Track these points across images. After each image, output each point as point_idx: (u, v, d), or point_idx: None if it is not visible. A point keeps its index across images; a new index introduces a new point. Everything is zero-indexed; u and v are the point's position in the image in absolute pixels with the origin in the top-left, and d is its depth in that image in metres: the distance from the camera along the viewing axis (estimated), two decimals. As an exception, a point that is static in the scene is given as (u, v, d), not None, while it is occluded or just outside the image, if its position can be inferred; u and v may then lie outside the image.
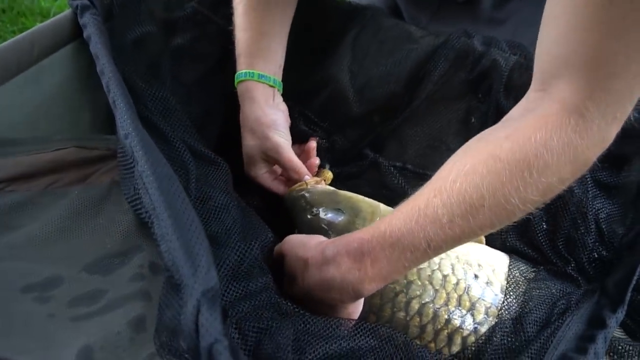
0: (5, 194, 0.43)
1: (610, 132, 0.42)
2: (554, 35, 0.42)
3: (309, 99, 0.68)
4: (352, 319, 0.46)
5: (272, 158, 0.62)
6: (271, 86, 0.62)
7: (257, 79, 0.61)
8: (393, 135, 0.70)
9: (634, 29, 0.36)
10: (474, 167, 0.42)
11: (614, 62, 0.38)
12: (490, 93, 0.66)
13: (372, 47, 0.69)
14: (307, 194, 0.61)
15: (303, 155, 0.65)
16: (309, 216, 0.60)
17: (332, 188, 0.63)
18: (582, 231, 0.61)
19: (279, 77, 0.63)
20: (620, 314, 0.50)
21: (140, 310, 0.40)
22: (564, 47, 0.40)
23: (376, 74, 0.68)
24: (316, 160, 0.65)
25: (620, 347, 0.50)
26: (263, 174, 0.63)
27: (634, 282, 0.53)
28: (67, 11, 0.55)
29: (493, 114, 0.66)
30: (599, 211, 0.63)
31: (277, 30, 0.62)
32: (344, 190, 0.62)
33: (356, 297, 0.46)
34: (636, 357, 0.49)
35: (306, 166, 0.63)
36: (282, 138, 0.61)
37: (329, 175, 0.68)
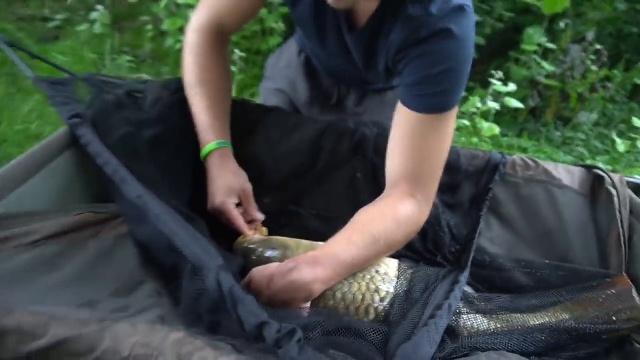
0: (46, 246, 0.61)
1: (430, 207, 0.81)
2: (395, 160, 0.81)
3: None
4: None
5: (245, 196, 0.86)
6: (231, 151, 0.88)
7: (227, 146, 0.87)
8: (306, 193, 0.97)
9: (436, 157, 0.77)
10: (372, 227, 0.75)
11: (426, 177, 0.78)
12: (365, 155, 0.98)
13: (281, 132, 0.98)
14: (251, 244, 0.84)
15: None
16: (254, 257, 0.82)
17: (267, 237, 0.87)
18: (441, 235, 0.93)
19: None
20: (466, 276, 0.79)
21: (160, 313, 0.59)
22: (400, 167, 0.79)
23: (287, 151, 0.97)
24: (262, 216, 0.89)
25: (469, 298, 0.78)
26: (232, 203, 0.85)
27: (471, 258, 0.84)
28: (61, 129, 0.77)
29: (370, 169, 0.97)
30: (449, 221, 0.95)
31: (225, 110, 0.90)
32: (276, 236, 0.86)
33: (310, 295, 0.69)
34: (477, 302, 0.78)
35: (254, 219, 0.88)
36: None
37: (264, 230, 0.92)
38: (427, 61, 0.74)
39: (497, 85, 1.61)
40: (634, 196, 0.95)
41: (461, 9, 0.72)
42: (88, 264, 0.63)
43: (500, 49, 2.42)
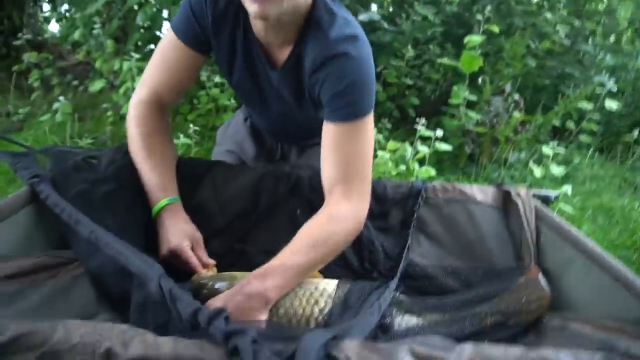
0: (4, 285, 0.68)
1: (366, 203, 0.93)
2: (325, 170, 0.93)
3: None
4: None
5: (196, 243, 0.95)
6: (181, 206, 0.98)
7: (177, 201, 0.97)
8: (250, 232, 1.07)
9: (360, 159, 0.90)
10: (311, 233, 0.87)
11: (355, 177, 0.91)
12: (302, 194, 1.10)
13: (225, 180, 1.09)
14: (202, 280, 0.92)
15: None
16: (205, 290, 0.90)
17: (216, 273, 0.96)
18: (376, 254, 1.03)
19: None
20: (395, 282, 0.89)
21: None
22: (330, 174, 0.92)
23: (231, 196, 1.08)
24: (212, 261, 0.98)
25: (400, 301, 0.88)
26: (187, 245, 0.93)
27: (400, 268, 0.94)
28: (22, 189, 0.87)
29: (307, 206, 1.08)
30: (382, 242, 1.06)
31: (170, 169, 1.00)
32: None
33: (266, 302, 0.78)
34: (407, 304, 0.87)
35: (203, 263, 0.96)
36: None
37: (215, 269, 1.00)
38: (333, 79, 0.88)
39: (422, 130, 1.81)
40: (540, 205, 1.09)
41: (354, 37, 0.89)
42: (44, 300, 0.70)
43: (435, 106, 2.70)
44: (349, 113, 0.90)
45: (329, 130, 0.92)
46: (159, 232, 0.95)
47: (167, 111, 1.07)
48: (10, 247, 0.79)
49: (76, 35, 2.26)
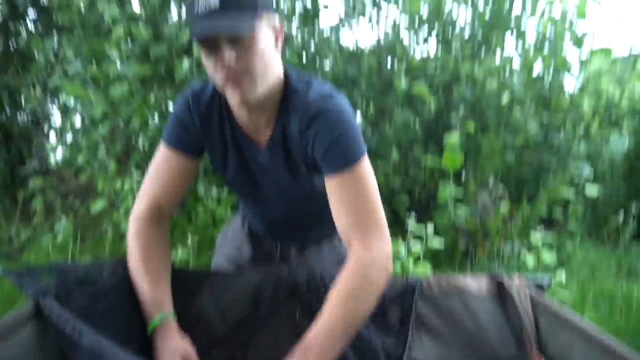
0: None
1: (385, 241, 0.95)
2: (338, 222, 0.97)
3: (189, 327, 1.04)
4: None
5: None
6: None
7: (170, 316, 0.97)
8: (251, 339, 1.07)
9: (367, 201, 0.94)
10: (341, 291, 0.90)
11: (367, 221, 0.94)
12: (300, 297, 1.12)
13: (224, 287, 1.12)
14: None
15: None
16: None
17: None
18: (377, 354, 1.02)
19: None
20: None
21: None
22: (344, 225, 0.96)
23: (229, 302, 1.09)
24: None
25: None
26: None
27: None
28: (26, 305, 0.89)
29: (307, 308, 1.10)
30: (383, 340, 1.05)
31: (166, 283, 1.02)
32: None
33: None
34: None
35: None
36: None
37: None
38: (323, 135, 0.95)
39: (413, 224, 1.87)
40: (533, 292, 1.11)
41: (331, 94, 0.98)
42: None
43: (426, 205, 2.80)
44: (346, 162, 0.95)
45: (331, 184, 0.97)
46: (153, 352, 0.95)
47: (165, 221, 1.11)
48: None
49: (80, 159, 2.42)
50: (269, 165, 1.08)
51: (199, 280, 1.13)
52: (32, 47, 2.76)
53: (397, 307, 1.12)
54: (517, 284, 1.12)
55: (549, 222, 2.72)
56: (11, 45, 4.04)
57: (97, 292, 0.95)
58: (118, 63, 2.29)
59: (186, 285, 1.11)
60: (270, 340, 1.07)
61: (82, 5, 2.37)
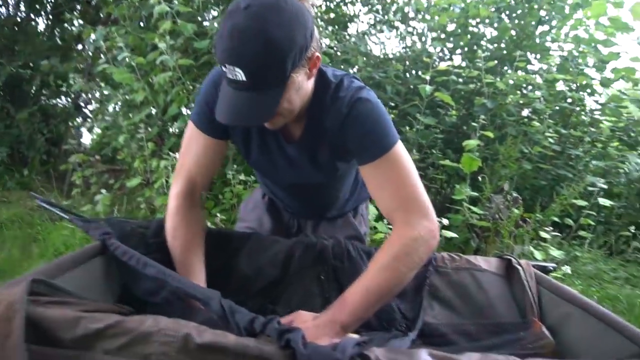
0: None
1: (427, 218, 0.98)
2: (381, 204, 1.02)
3: (229, 282, 1.17)
4: None
5: None
6: None
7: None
8: (281, 295, 1.19)
9: (406, 183, 0.99)
10: (380, 257, 0.96)
11: (409, 200, 0.99)
12: (326, 261, 1.24)
13: (259, 250, 1.25)
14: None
15: None
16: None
17: None
18: (393, 315, 1.14)
19: None
20: (414, 334, 0.99)
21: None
22: (386, 207, 1.01)
23: (264, 264, 1.22)
24: None
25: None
26: None
27: (419, 321, 1.05)
28: (94, 244, 1.03)
29: (331, 271, 1.22)
30: (399, 304, 1.17)
31: (196, 257, 1.08)
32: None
33: (342, 327, 0.89)
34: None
35: None
36: None
37: None
38: (357, 125, 0.98)
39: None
40: (538, 271, 1.22)
41: (361, 87, 1.01)
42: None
43: (442, 207, 2.90)
44: (380, 149, 0.98)
45: (370, 172, 1.01)
46: None
47: (199, 194, 1.16)
48: (79, 291, 0.93)
49: (120, 139, 2.59)
50: (296, 158, 1.12)
51: (240, 242, 1.26)
52: (83, 36, 2.97)
53: (412, 278, 1.24)
54: (523, 264, 1.23)
55: (560, 230, 2.79)
56: (56, 34, 4.30)
57: (147, 245, 1.09)
58: (164, 54, 2.46)
59: (227, 246, 1.24)
60: (298, 298, 1.19)
61: (135, 1, 2.57)
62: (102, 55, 2.84)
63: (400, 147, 1.01)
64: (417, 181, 1.00)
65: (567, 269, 1.79)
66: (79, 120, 3.93)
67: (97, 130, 3.50)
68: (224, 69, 0.84)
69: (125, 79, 2.49)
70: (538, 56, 3.66)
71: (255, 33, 0.80)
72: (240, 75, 0.82)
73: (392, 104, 3.52)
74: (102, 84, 3.44)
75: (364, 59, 3.53)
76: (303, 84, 0.93)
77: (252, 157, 1.17)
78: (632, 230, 2.79)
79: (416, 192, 0.99)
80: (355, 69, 3.55)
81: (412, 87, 3.36)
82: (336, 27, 3.62)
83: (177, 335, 0.62)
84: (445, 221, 2.04)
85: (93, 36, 2.88)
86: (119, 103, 2.99)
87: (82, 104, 3.90)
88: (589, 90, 3.50)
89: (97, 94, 3.54)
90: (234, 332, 0.71)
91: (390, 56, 4.04)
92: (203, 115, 1.08)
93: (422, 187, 1.02)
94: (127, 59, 2.57)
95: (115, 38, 2.51)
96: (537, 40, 3.50)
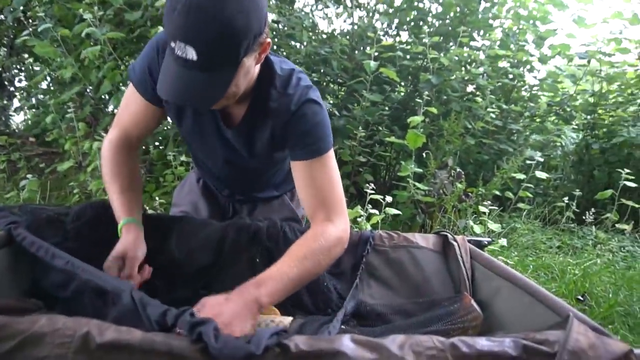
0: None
1: (345, 221, 1.04)
2: (305, 201, 1.05)
3: (159, 267, 1.11)
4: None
5: (129, 263, 1.00)
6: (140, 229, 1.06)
7: (133, 222, 1.04)
8: (215, 279, 1.14)
9: (332, 186, 1.03)
10: (300, 249, 0.97)
11: (331, 201, 1.03)
12: (261, 242, 1.20)
13: (191, 233, 1.19)
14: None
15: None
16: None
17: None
18: (329, 295, 1.12)
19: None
20: (342, 312, 0.98)
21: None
22: (310, 204, 1.04)
23: (196, 247, 1.16)
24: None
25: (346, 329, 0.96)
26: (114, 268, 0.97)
27: (346, 303, 1.04)
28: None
29: (265, 253, 1.18)
30: (335, 284, 1.15)
31: (135, 194, 1.10)
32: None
33: (260, 307, 0.86)
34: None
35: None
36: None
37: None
38: (301, 123, 1.02)
39: (369, 192, 1.99)
40: (474, 247, 1.23)
41: (309, 87, 1.04)
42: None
43: (388, 184, 2.92)
44: (315, 150, 1.03)
45: (301, 168, 1.04)
46: None
47: (135, 149, 1.19)
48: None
49: (48, 119, 2.40)
50: (233, 141, 1.12)
51: (170, 225, 1.20)
52: (0, 4, 2.70)
53: (350, 257, 1.22)
54: (459, 240, 1.24)
55: (500, 203, 2.89)
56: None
57: (65, 232, 1.01)
58: (91, 26, 2.28)
59: (157, 229, 1.17)
60: (232, 282, 1.14)
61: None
62: (23, 26, 2.60)
63: (332, 154, 1.07)
64: (340, 187, 1.07)
65: (503, 241, 1.86)
66: (5, 99, 3.62)
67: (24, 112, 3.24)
68: (172, 44, 0.81)
69: (48, 52, 2.30)
70: (481, 32, 3.71)
71: (213, 14, 0.76)
72: (191, 54, 0.80)
73: (340, 81, 3.48)
74: (31, 60, 3.17)
75: (310, 34, 3.44)
76: (251, 68, 0.93)
77: (183, 126, 1.14)
78: (566, 201, 2.93)
79: (340, 196, 1.06)
80: (302, 45, 3.47)
81: (358, 63, 3.32)
82: (280, 1, 3.50)
83: (75, 335, 0.56)
84: (389, 198, 2.05)
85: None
86: (48, 80, 2.77)
87: (6, 82, 3.59)
88: (528, 67, 3.61)
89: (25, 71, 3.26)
90: (146, 326, 0.66)
91: (337, 32, 3.97)
92: (143, 80, 1.06)
93: (343, 192, 1.08)
94: (51, 31, 2.36)
95: (35, 7, 2.29)
96: (480, 17, 3.54)
